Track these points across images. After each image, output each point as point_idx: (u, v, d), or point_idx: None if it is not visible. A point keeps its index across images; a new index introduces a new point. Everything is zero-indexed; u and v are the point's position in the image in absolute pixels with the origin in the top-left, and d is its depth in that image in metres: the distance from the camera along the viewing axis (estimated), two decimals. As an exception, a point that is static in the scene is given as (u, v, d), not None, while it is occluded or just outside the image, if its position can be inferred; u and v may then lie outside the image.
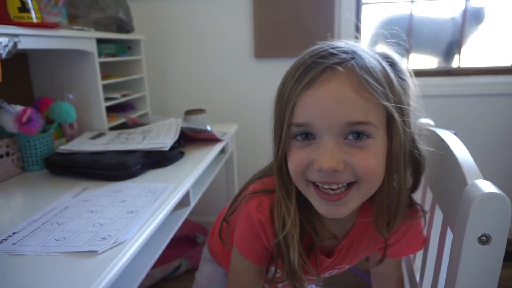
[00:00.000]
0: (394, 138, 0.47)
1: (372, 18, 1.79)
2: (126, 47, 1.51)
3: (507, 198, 0.38)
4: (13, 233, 0.69)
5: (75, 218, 0.74)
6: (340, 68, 0.44)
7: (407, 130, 0.48)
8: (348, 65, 0.45)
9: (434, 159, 0.63)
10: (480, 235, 0.39)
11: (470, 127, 1.76)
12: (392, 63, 0.51)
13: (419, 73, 1.97)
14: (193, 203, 1.04)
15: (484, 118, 1.74)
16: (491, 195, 0.39)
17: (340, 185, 0.46)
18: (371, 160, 0.45)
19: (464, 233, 0.40)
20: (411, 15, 1.74)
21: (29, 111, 0.97)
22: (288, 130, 0.47)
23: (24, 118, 0.95)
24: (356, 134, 0.44)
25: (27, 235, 0.68)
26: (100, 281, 0.55)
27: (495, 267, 0.40)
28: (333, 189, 0.46)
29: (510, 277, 1.55)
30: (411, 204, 0.57)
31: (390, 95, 0.45)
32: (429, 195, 0.66)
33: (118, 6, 1.35)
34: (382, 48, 0.53)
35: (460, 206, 0.41)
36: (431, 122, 0.73)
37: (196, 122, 1.42)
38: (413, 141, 0.51)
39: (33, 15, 0.95)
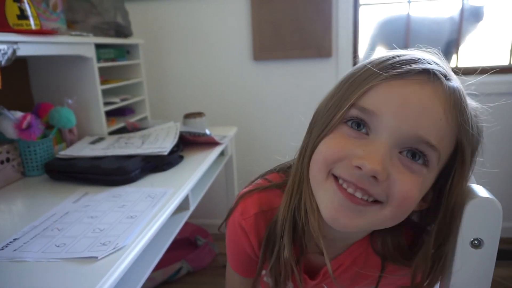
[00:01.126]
0: (454, 181, 0.41)
1: (370, 19, 1.80)
2: (125, 51, 1.52)
3: (498, 204, 0.39)
4: (14, 239, 0.70)
5: (75, 224, 0.75)
6: (442, 77, 0.40)
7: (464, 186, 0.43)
8: (448, 82, 0.41)
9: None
10: (472, 239, 0.40)
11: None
12: (476, 115, 0.45)
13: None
14: (192, 207, 1.04)
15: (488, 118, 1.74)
16: (483, 200, 0.39)
17: (366, 197, 0.40)
18: (414, 188, 0.39)
19: (457, 237, 0.41)
20: (408, 15, 1.75)
21: (29, 117, 0.98)
22: (344, 112, 0.41)
23: (24, 124, 0.96)
24: (413, 154, 0.39)
25: (28, 241, 0.68)
26: (101, 286, 0.55)
27: (487, 270, 0.41)
28: (355, 196, 0.40)
29: (510, 277, 1.56)
30: None
31: (469, 138, 0.41)
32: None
33: (116, 10, 1.36)
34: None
35: (451, 211, 0.42)
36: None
37: (195, 126, 1.42)
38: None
39: (32, 22, 0.95)
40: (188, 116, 1.47)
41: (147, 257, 0.80)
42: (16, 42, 0.88)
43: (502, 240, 1.56)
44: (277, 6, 1.70)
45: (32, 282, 0.57)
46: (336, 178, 0.41)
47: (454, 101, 0.40)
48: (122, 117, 1.48)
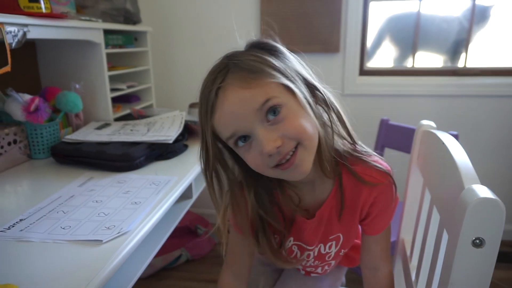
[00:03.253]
0: (297, 97, 0.54)
1: (379, 15, 1.78)
2: (133, 38, 1.52)
3: (501, 204, 0.39)
4: (20, 220, 0.71)
5: (81, 207, 0.76)
6: (227, 81, 0.52)
7: (303, 85, 0.56)
8: (229, 76, 0.53)
9: (433, 161, 0.64)
10: (474, 238, 0.41)
11: (474, 128, 1.76)
12: (262, 46, 0.58)
13: (425, 73, 1.96)
14: (195, 196, 1.05)
15: (488, 119, 1.74)
16: (486, 200, 0.40)
17: (291, 153, 0.53)
18: (294, 122, 0.52)
19: (458, 236, 0.41)
20: (418, 12, 1.74)
21: (37, 100, 0.99)
22: (228, 145, 0.56)
23: (32, 107, 0.97)
24: (273, 111, 0.52)
25: (34, 222, 0.70)
26: (104, 269, 0.57)
27: (487, 269, 0.41)
28: (287, 160, 0.54)
29: (506, 279, 1.57)
30: (370, 163, 0.62)
31: (273, 71, 0.53)
32: (428, 196, 0.67)
33: (126, -3, 1.36)
34: (252, 40, 0.60)
35: (456, 210, 0.42)
36: (433, 124, 0.73)
37: (200, 115, 1.43)
38: (315, 87, 0.58)
39: (43, 5, 0.96)
40: (193, 105, 1.47)
41: (149, 243, 0.81)
42: (26, 25, 0.89)
43: (502, 243, 1.57)
44: (286, 0, 1.69)
45: (38, 261, 0.59)
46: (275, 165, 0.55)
47: (245, 78, 0.52)
48: (128, 104, 1.48)
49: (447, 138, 0.59)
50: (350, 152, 0.61)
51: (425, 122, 0.75)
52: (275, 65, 0.54)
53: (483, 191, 0.41)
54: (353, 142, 0.62)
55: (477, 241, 0.40)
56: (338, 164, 0.61)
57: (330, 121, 0.58)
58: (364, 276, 0.72)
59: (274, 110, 0.52)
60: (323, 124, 0.58)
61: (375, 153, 0.64)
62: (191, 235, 1.77)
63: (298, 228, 0.67)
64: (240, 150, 0.55)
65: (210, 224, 1.84)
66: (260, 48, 0.58)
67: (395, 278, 0.81)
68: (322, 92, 0.58)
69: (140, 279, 1.57)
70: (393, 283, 0.71)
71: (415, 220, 0.75)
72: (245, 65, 0.53)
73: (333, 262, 0.76)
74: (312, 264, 0.76)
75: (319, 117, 0.57)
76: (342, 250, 0.73)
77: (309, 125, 0.54)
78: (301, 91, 0.55)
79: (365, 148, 0.64)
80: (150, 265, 1.55)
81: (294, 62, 0.58)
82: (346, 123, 0.61)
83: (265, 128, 0.52)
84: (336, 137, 0.60)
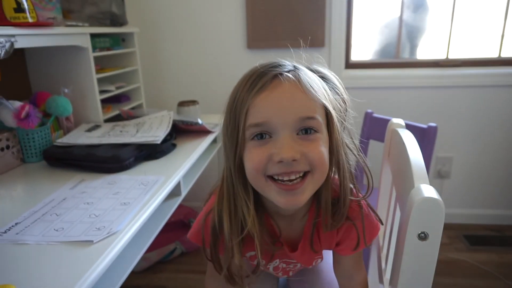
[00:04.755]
0: (333, 134, 0.55)
1: (363, 10, 1.81)
2: (120, 39, 1.55)
3: (441, 202, 0.44)
4: (16, 224, 0.75)
5: (73, 209, 0.81)
6: (289, 75, 0.52)
7: (342, 134, 0.57)
8: (294, 73, 0.53)
9: (397, 159, 0.69)
10: (420, 232, 0.46)
11: (456, 118, 1.81)
12: (324, 78, 0.60)
13: (408, 65, 2.00)
14: (184, 193, 1.10)
15: (470, 109, 1.79)
16: (429, 199, 0.45)
17: (298, 176, 0.52)
18: (321, 149, 0.52)
19: (407, 229, 0.46)
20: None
21: (27, 107, 1.02)
22: (244, 133, 0.52)
23: (23, 114, 1.01)
24: (305, 130, 0.52)
25: (29, 226, 0.74)
26: (96, 267, 0.62)
27: (432, 259, 0.46)
28: (291, 180, 0.52)
29: (486, 261, 1.64)
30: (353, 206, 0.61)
31: (328, 99, 0.54)
32: (395, 193, 0.72)
33: (111, 0, 1.38)
34: (317, 67, 0.62)
35: (406, 206, 0.48)
36: (402, 122, 0.78)
37: (188, 114, 1.47)
38: (347, 146, 0.59)
39: (28, 14, 0.98)
40: (182, 104, 1.51)
41: (139, 240, 0.86)
42: (13, 35, 0.92)
43: (480, 227, 1.64)
44: (271, -4, 1.72)
45: (34, 262, 0.63)
46: (272, 178, 0.52)
47: (305, 84, 0.52)
48: (118, 104, 1.52)
49: (407, 138, 0.63)
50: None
51: (395, 120, 0.80)
52: (329, 96, 0.56)
53: (428, 191, 0.46)
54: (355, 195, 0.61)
55: (422, 234, 0.46)
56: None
57: (344, 169, 0.57)
58: (340, 284, 0.75)
59: (310, 130, 0.52)
60: (337, 166, 0.57)
61: (371, 208, 0.63)
62: (185, 228, 1.83)
63: (282, 255, 0.68)
64: (250, 143, 0.53)
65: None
66: (320, 77, 0.59)
67: (372, 267, 0.87)
68: (346, 142, 0.59)
69: (136, 273, 1.63)
70: None
71: (385, 214, 0.80)
72: (309, 78, 0.54)
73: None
74: (291, 274, 0.79)
75: (338, 160, 0.56)
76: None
77: (328, 161, 0.54)
78: (338, 131, 0.55)
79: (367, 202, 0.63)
80: (145, 259, 1.62)
81: (341, 100, 0.60)
82: (353, 175, 0.60)
83: (292, 137, 0.51)
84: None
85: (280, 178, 0.52)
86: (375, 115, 1.50)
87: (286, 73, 0.52)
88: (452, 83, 1.76)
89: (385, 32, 1.86)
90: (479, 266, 1.60)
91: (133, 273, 1.62)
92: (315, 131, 0.52)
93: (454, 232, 1.86)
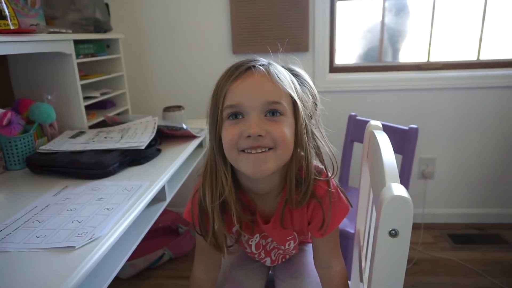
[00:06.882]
0: (298, 119, 0.64)
1: (346, 15, 1.85)
2: (105, 45, 1.55)
3: (410, 200, 0.46)
4: (-3, 231, 0.75)
5: (55, 216, 0.81)
6: (260, 67, 0.62)
7: (307, 120, 0.66)
8: (266, 67, 0.63)
9: (373, 161, 0.71)
10: (390, 229, 0.47)
11: (439, 120, 1.85)
12: (295, 74, 0.69)
13: (390, 68, 2.04)
14: (169, 198, 1.10)
15: (452, 111, 1.84)
16: (398, 197, 0.46)
17: (263, 149, 0.61)
18: (284, 129, 0.61)
19: (378, 227, 0.48)
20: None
21: (9, 114, 1.02)
22: (222, 113, 0.62)
23: (5, 121, 1.00)
24: (272, 112, 0.61)
25: (11, 233, 0.74)
26: (77, 273, 0.62)
27: (403, 255, 0.48)
28: (258, 152, 0.61)
29: (470, 259, 1.68)
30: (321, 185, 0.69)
31: (295, 91, 0.64)
32: (372, 193, 0.74)
33: (95, 6, 1.39)
34: (290, 66, 0.71)
35: (378, 204, 0.49)
36: (379, 124, 0.80)
37: (174, 119, 1.48)
38: (312, 132, 0.68)
39: (10, 21, 0.98)
40: (167, 109, 1.52)
41: (123, 246, 0.86)
42: (-6, 42, 0.92)
43: (464, 226, 1.67)
44: (255, 1, 1.74)
45: (15, 270, 0.63)
46: (243, 151, 0.62)
47: (273, 75, 0.62)
48: (103, 111, 1.52)
49: (382, 139, 0.65)
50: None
51: (373, 122, 0.82)
52: (297, 88, 0.66)
53: (398, 190, 0.47)
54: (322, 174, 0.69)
55: (393, 231, 0.47)
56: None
57: (307, 151, 0.66)
58: (319, 275, 0.79)
59: (275, 112, 0.61)
60: (302, 148, 0.66)
61: (341, 189, 0.71)
62: (173, 234, 1.82)
63: (259, 229, 0.75)
64: (226, 122, 0.63)
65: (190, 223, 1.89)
66: (293, 74, 0.68)
67: (354, 267, 0.89)
68: (312, 129, 0.68)
69: (124, 280, 1.62)
70: (346, 278, 0.77)
71: (365, 214, 0.82)
72: (279, 71, 0.63)
73: (294, 251, 0.85)
74: (274, 258, 0.83)
75: (302, 142, 0.65)
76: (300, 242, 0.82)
77: (291, 141, 0.63)
78: (303, 118, 0.64)
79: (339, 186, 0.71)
80: (132, 266, 1.61)
81: (309, 93, 0.69)
82: (322, 158, 0.69)
83: (259, 117, 0.60)
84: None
85: (248, 151, 0.61)
86: (358, 117, 1.53)
87: (258, 66, 0.62)
88: (434, 86, 1.81)
89: (368, 36, 1.90)
90: (463, 264, 1.64)
91: (120, 280, 1.61)
92: (280, 114, 0.61)
93: (438, 232, 1.89)
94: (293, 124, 0.64)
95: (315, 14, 1.75)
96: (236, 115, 0.62)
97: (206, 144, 1.54)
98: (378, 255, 0.49)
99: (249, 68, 0.62)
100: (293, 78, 0.67)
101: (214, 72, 2.05)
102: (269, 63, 0.64)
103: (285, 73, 0.65)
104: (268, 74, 0.61)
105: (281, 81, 0.62)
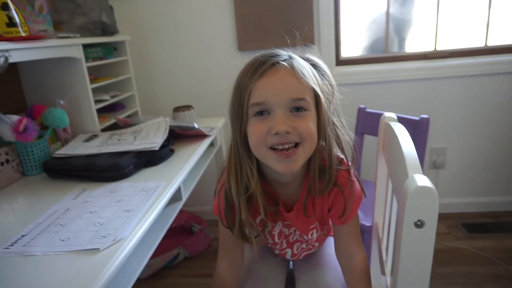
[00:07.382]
0: (321, 112, 0.65)
1: (350, 8, 1.84)
2: (112, 48, 1.56)
3: (435, 191, 0.46)
4: (22, 236, 0.76)
5: (77, 219, 0.82)
6: (284, 63, 0.62)
7: (329, 112, 0.68)
8: (288, 62, 0.63)
9: (391, 152, 0.71)
10: (416, 220, 0.48)
11: (448, 108, 1.84)
12: (314, 65, 0.69)
13: (397, 58, 2.02)
14: (185, 197, 1.11)
15: (460, 99, 1.82)
16: (423, 188, 0.46)
17: (291, 145, 0.62)
18: (309, 124, 0.63)
19: (403, 218, 0.48)
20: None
21: (25, 120, 1.03)
22: (247, 110, 0.63)
23: (21, 128, 1.01)
24: (297, 109, 0.62)
25: (35, 237, 0.75)
26: (104, 274, 0.63)
27: (428, 246, 0.48)
28: (286, 149, 0.62)
29: (485, 248, 1.67)
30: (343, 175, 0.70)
31: (317, 84, 0.65)
32: (391, 185, 0.74)
33: (101, 9, 1.39)
34: (309, 56, 0.71)
35: (402, 196, 0.49)
36: (394, 116, 0.80)
37: (184, 119, 1.48)
38: (333, 123, 0.69)
39: (20, 28, 0.99)
40: (177, 109, 1.52)
41: (144, 246, 0.88)
42: (7, 50, 0.93)
43: (477, 215, 1.67)
44: (259, -2, 1.74)
45: (42, 273, 0.64)
46: (272, 148, 0.63)
47: (297, 71, 0.62)
48: (114, 113, 1.53)
49: (399, 130, 0.66)
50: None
51: (387, 114, 0.82)
52: (319, 81, 0.66)
53: (422, 180, 0.48)
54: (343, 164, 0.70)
55: (418, 222, 0.47)
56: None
57: (330, 142, 0.68)
58: (341, 265, 0.80)
59: (300, 108, 0.62)
60: (324, 139, 0.68)
61: (357, 178, 0.72)
62: (187, 233, 1.84)
63: (282, 217, 0.77)
64: (252, 119, 0.63)
65: (204, 221, 1.90)
66: (312, 65, 0.68)
67: (373, 259, 0.89)
68: (333, 119, 0.69)
69: (141, 280, 1.64)
70: (368, 267, 0.78)
71: (383, 206, 0.82)
72: (301, 66, 0.64)
73: (316, 244, 0.85)
74: (296, 252, 0.84)
75: (324, 134, 0.67)
76: (322, 233, 0.83)
77: (316, 135, 0.64)
78: (325, 110, 0.66)
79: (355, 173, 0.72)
80: (149, 266, 1.62)
81: (328, 84, 0.70)
82: (342, 147, 0.70)
83: (285, 114, 0.62)
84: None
85: (276, 147, 0.62)
86: (368, 110, 1.53)
87: (282, 62, 0.62)
88: (441, 74, 1.79)
89: (373, 28, 1.89)
90: (478, 253, 1.63)
91: (138, 280, 1.63)
92: (305, 110, 0.63)
93: (452, 221, 1.89)
94: (315, 117, 0.65)
95: (319, 7, 1.74)
96: (262, 112, 0.63)
97: (217, 143, 1.55)
98: (404, 246, 0.49)
99: (274, 64, 0.62)
100: (314, 71, 0.67)
101: (221, 69, 2.06)
102: (290, 57, 0.65)
103: (307, 67, 0.65)
104: (292, 70, 0.62)
105: (305, 76, 0.63)
